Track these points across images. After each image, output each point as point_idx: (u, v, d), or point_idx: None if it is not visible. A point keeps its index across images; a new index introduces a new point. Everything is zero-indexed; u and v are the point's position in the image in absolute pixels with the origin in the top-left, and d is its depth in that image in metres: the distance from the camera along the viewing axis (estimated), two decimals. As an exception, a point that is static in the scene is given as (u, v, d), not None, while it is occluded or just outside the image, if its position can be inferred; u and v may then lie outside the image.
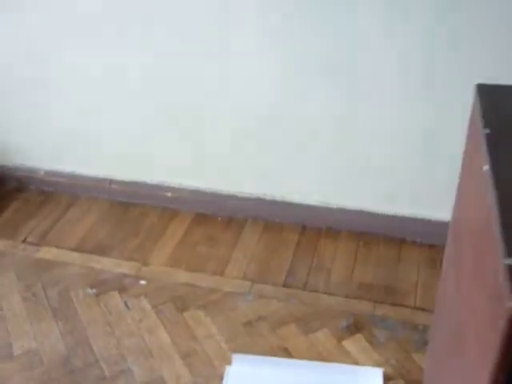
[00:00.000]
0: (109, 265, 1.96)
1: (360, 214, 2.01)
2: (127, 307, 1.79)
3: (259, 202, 2.09)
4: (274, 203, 2.08)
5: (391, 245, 1.98)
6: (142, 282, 1.88)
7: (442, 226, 1.93)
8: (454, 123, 1.71)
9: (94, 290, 1.86)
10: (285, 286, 1.85)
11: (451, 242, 1.19)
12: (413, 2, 1.57)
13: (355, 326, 1.71)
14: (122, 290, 1.86)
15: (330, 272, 1.89)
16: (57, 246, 2.04)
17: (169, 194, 2.17)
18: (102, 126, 2.11)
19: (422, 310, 1.75)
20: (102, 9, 1.84)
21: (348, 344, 1.66)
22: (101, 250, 2.02)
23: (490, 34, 1.56)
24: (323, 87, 1.80)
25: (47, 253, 2.02)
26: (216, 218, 2.14)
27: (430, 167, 1.87)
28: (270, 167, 2.02)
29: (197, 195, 2.14)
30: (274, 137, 1.95)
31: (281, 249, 1.99)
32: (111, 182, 2.23)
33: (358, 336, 1.68)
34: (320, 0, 1.64)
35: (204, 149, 2.05)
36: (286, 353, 1.63)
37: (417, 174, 1.89)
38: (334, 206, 2.03)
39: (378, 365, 1.59)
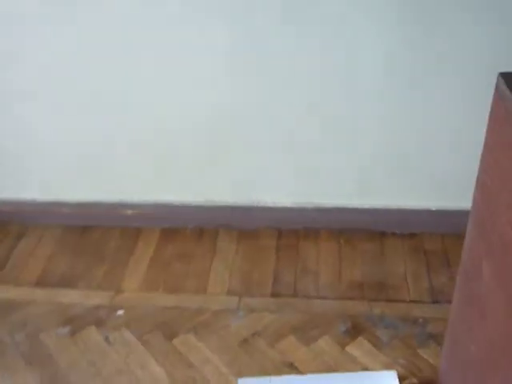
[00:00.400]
0: (78, 297, 1.79)
1: (336, 210, 1.95)
2: (109, 342, 1.64)
3: (230, 209, 1.98)
4: (246, 209, 1.97)
5: (372, 239, 1.93)
6: (120, 312, 1.72)
7: (418, 214, 1.92)
8: (423, 115, 1.69)
9: (68, 329, 1.68)
10: (274, 295, 1.76)
11: (476, 233, 1.13)
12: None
13: (355, 329, 1.64)
14: (98, 323, 1.70)
15: (318, 274, 1.82)
16: (15, 284, 1.85)
17: (129, 212, 2.02)
18: (45, 143, 1.90)
19: (417, 302, 1.72)
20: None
21: (352, 349, 1.59)
22: (65, 282, 1.84)
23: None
24: (290, 86, 1.71)
25: (6, 292, 1.82)
26: (185, 232, 2.01)
27: (402, 157, 1.83)
28: (239, 172, 1.91)
29: (161, 209, 2.00)
30: (239, 140, 1.84)
31: (261, 256, 1.89)
32: (62, 205, 2.04)
33: (360, 339, 1.61)
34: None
35: (165, 159, 1.91)
36: (292, 368, 1.54)
37: (388, 165, 1.85)
38: (309, 206, 1.95)
39: (386, 366, 1.53)
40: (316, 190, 1.92)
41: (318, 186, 1.92)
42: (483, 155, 1.07)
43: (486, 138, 1.04)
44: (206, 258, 1.90)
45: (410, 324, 1.65)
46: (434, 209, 1.91)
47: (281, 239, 1.95)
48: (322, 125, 1.79)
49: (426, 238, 1.92)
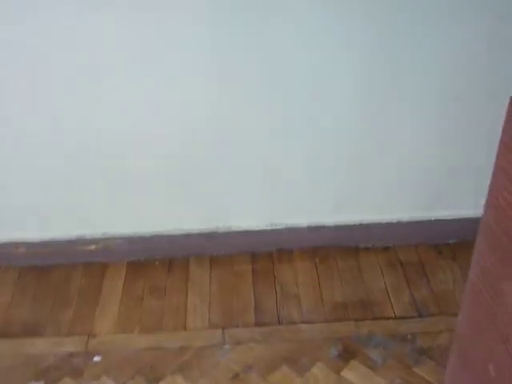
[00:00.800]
0: (47, 346, 1.65)
1: (309, 229, 1.91)
2: (89, 394, 1.52)
3: (200, 236, 1.89)
4: (216, 235, 1.90)
5: (347, 255, 1.91)
6: (97, 359, 1.61)
7: (390, 227, 1.91)
8: (394, 131, 1.69)
9: (42, 383, 1.55)
10: (258, 324, 1.70)
11: (492, 254, 1.11)
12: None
13: (346, 352, 1.61)
14: (74, 373, 1.57)
15: (299, 298, 1.77)
16: (-27, 338, 1.68)
17: (92, 247, 1.89)
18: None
19: (404, 318, 1.70)
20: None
21: (347, 374, 1.55)
22: (30, 331, 1.70)
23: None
24: (259, 106, 1.66)
25: (-37, 349, 1.65)
26: (153, 264, 1.90)
27: (372, 173, 1.81)
28: (207, 197, 1.83)
29: (126, 242, 1.89)
30: (210, 165, 1.76)
31: (238, 283, 1.82)
32: (18, 245, 1.89)
33: (354, 362, 1.58)
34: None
35: (128, 187, 1.80)
36: (291, 401, 1.48)
37: (360, 179, 1.83)
38: (281, 227, 1.90)
39: (384, 388, 1.50)
40: (289, 211, 1.88)
41: (291, 207, 1.87)
42: (495, 175, 1.05)
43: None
44: (180, 290, 1.80)
45: (399, 341, 1.63)
46: (405, 220, 1.91)
47: (255, 263, 1.89)
48: (294, 144, 1.74)
49: (400, 249, 1.92)
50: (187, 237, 1.89)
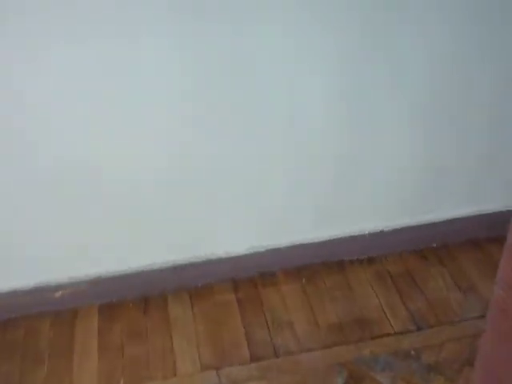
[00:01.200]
0: (23, 415, 1.47)
1: (291, 248, 1.80)
2: None
3: (175, 269, 1.75)
4: (192, 266, 1.76)
5: (333, 271, 1.82)
6: (82, 422, 1.44)
7: (373, 237, 1.84)
8: (371, 143, 1.61)
9: None
10: (254, 359, 1.58)
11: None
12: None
13: (353, 378, 1.52)
14: None
15: (292, 324, 1.66)
16: None
17: (58, 294, 1.71)
18: None
19: (403, 333, 1.63)
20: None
21: (359, 402, 1.46)
22: (0, 399, 1.51)
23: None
24: (233, 129, 1.54)
25: None
26: (127, 305, 1.74)
27: (352, 185, 1.74)
28: (179, 224, 1.69)
29: (95, 284, 1.72)
30: (176, 187, 1.62)
31: (224, 316, 1.69)
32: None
33: (363, 389, 1.49)
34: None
35: (90, 224, 1.63)
36: None
37: (339, 192, 1.75)
38: (262, 249, 1.79)
39: (398, 413, 1.42)
40: (268, 231, 1.77)
41: (270, 226, 1.76)
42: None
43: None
44: (162, 332, 1.65)
45: (404, 359, 1.56)
46: (388, 228, 1.84)
47: (239, 291, 1.77)
48: (269, 161, 1.63)
49: (386, 259, 1.85)
50: (161, 271, 1.74)
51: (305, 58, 1.45)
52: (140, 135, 1.48)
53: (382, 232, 1.84)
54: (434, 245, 1.90)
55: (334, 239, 1.82)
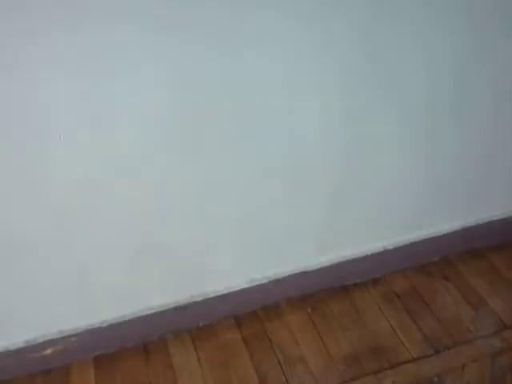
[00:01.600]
0: None
1: (293, 277, 1.71)
2: None
3: (174, 311, 1.63)
4: (192, 306, 1.64)
5: (338, 297, 1.74)
6: None
7: (376, 257, 1.77)
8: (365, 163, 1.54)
9: None
10: (271, 403, 1.48)
11: None
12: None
13: (378, 413, 1.44)
14: None
15: (305, 360, 1.58)
16: None
17: (49, 351, 1.56)
18: None
19: (421, 358, 1.57)
20: None
21: None
22: None
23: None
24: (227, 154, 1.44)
25: None
26: (126, 353, 1.61)
27: (352, 207, 1.67)
28: (175, 262, 1.57)
29: (89, 336, 1.58)
30: (169, 220, 1.51)
31: (232, 358, 1.59)
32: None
33: (391, 424, 1.41)
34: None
35: (79, 271, 1.50)
36: None
37: (340, 215, 1.68)
38: (264, 281, 1.69)
39: None
40: (268, 261, 1.67)
41: (271, 256, 1.67)
42: None
43: None
44: (167, 381, 1.53)
45: (427, 386, 1.49)
46: (390, 247, 1.78)
47: (243, 328, 1.66)
48: (267, 188, 1.54)
49: (390, 279, 1.79)
50: (159, 314, 1.62)
51: (302, 83, 1.37)
52: (124, 166, 1.36)
53: (384, 251, 1.77)
54: (435, 259, 1.85)
55: (336, 263, 1.74)
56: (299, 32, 1.29)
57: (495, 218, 1.84)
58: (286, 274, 1.70)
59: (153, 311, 1.61)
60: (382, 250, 1.77)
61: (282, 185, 1.54)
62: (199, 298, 1.64)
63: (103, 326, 1.58)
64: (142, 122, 1.28)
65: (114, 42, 1.17)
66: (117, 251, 1.49)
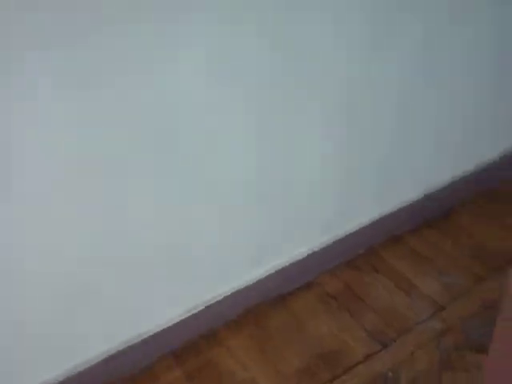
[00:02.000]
0: None
1: (228, 298, 1.63)
2: None
3: (107, 360, 1.48)
4: (125, 351, 1.50)
5: (277, 309, 1.69)
6: None
7: (309, 260, 1.73)
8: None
9: None
10: None
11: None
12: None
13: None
14: None
15: (257, 382, 1.50)
16: None
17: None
18: None
19: (371, 355, 1.56)
20: None
21: None
22: None
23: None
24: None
25: None
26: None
27: (270, 214, 1.61)
28: (98, 308, 1.43)
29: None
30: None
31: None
32: None
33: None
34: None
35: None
36: None
37: (259, 227, 1.61)
38: (198, 308, 1.59)
39: None
40: (196, 287, 1.57)
41: (200, 281, 1.57)
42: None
43: None
44: None
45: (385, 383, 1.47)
46: (318, 247, 1.75)
47: (184, 364, 1.55)
48: (193, 215, 1.44)
49: (322, 280, 1.76)
50: (93, 368, 1.46)
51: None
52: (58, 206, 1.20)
53: (312, 253, 1.74)
54: (360, 251, 1.85)
55: (270, 274, 1.68)
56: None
57: (406, 204, 1.87)
58: (221, 297, 1.61)
59: (86, 366, 1.45)
60: (310, 252, 1.73)
61: (204, 207, 1.45)
62: (133, 342, 1.50)
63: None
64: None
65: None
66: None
